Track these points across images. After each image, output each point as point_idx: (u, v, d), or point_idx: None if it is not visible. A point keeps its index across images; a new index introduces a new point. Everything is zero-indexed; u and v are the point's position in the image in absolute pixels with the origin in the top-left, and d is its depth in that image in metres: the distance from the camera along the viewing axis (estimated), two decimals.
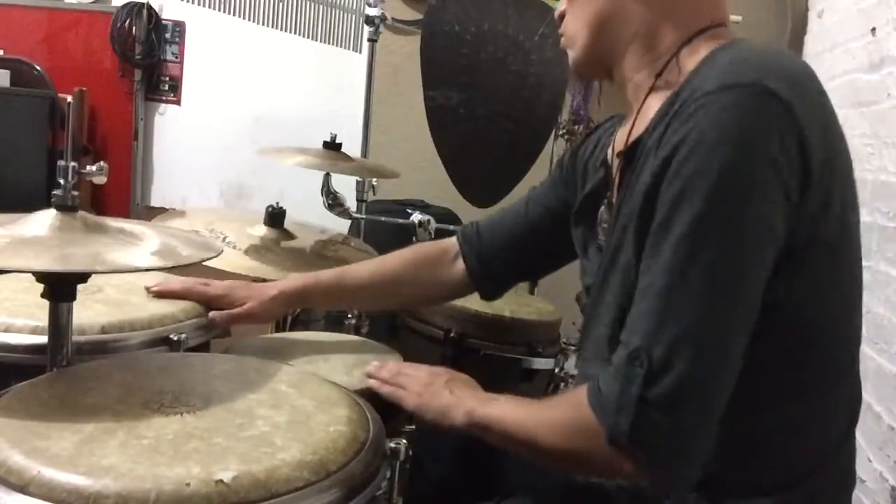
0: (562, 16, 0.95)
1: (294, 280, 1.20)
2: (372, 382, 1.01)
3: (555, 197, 1.13)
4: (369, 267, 1.25)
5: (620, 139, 0.92)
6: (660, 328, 0.70)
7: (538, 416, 0.82)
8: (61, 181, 0.86)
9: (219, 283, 1.17)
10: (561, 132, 2.41)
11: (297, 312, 2.05)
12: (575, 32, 0.92)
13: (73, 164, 0.87)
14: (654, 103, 0.85)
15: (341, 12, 2.54)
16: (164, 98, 3.28)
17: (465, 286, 1.22)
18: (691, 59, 0.83)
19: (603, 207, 0.96)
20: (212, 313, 1.11)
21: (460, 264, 1.21)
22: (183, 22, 3.22)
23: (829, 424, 0.84)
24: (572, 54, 0.94)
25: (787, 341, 0.77)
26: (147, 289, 1.12)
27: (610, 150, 0.97)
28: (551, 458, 0.81)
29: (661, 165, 0.73)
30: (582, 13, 0.90)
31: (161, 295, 1.11)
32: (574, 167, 1.08)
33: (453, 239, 1.23)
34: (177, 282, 1.15)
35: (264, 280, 1.47)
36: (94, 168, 1.04)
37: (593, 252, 0.98)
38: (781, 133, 0.70)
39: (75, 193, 0.86)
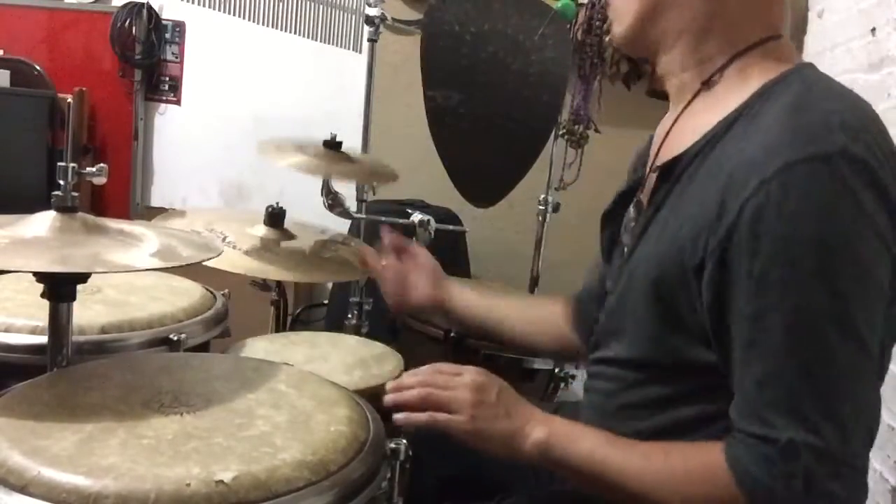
0: None
1: (461, 297, 1.19)
2: (398, 417, 0.86)
3: None
4: (521, 314, 1.19)
5: (658, 138, 0.91)
6: (804, 416, 0.68)
7: (652, 470, 0.76)
8: (61, 182, 0.87)
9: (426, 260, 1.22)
10: (561, 132, 2.40)
11: (297, 312, 2.06)
12: (623, 8, 0.88)
13: (72, 164, 0.88)
14: (698, 112, 0.83)
15: (341, 12, 2.54)
16: (164, 98, 3.27)
17: (575, 345, 1.12)
18: (743, 78, 0.80)
19: (631, 207, 0.93)
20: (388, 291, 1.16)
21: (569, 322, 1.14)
22: (183, 22, 3.21)
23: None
24: (617, 28, 0.90)
25: None
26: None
27: (650, 150, 0.95)
28: None
29: (731, 223, 0.70)
30: None
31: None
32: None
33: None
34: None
35: (264, 280, 1.47)
36: (93, 169, 1.03)
37: (617, 255, 0.96)
38: (869, 195, 0.69)
39: (75, 195, 0.87)
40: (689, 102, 0.85)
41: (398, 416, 0.86)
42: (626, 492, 0.77)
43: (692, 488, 0.74)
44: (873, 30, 1.82)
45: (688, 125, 0.84)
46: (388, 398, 0.88)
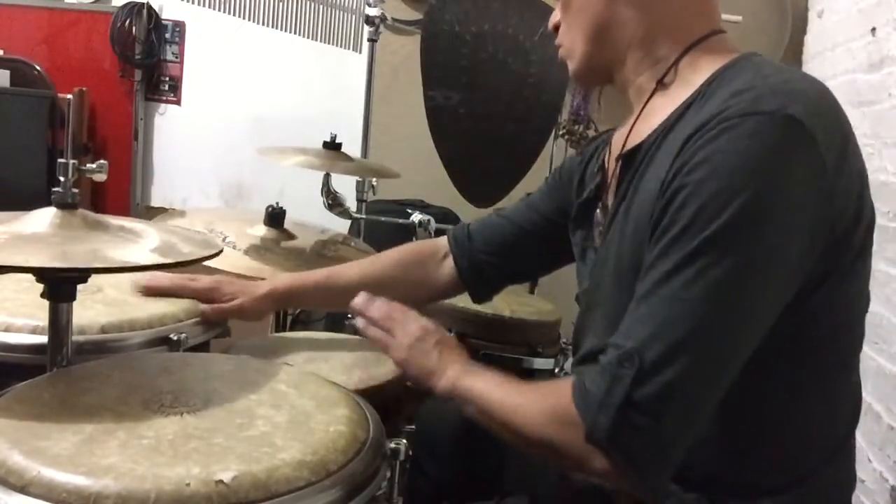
0: (556, 27, 0.96)
1: (283, 279, 1.20)
2: (359, 321, 1.01)
3: (550, 203, 1.13)
4: (358, 267, 1.24)
5: (618, 141, 0.93)
6: (656, 334, 0.70)
7: (519, 398, 0.82)
8: (61, 178, 0.86)
9: (206, 278, 1.16)
10: (561, 132, 2.41)
11: (297, 312, 2.06)
12: (572, 43, 0.92)
13: (73, 161, 0.87)
14: (656, 108, 0.86)
15: (341, 12, 2.54)
16: (164, 98, 3.27)
17: (454, 287, 1.22)
18: (694, 70, 0.84)
19: (598, 210, 0.96)
20: (202, 307, 1.11)
21: (449, 265, 1.21)
22: (183, 22, 3.22)
23: (830, 426, 0.84)
24: (572, 65, 0.94)
25: (795, 345, 0.77)
26: (135, 283, 1.12)
27: (606, 155, 0.98)
28: (526, 442, 0.81)
29: (674, 178, 0.73)
30: (577, 23, 0.91)
31: (150, 291, 1.11)
32: (570, 176, 1.09)
33: (442, 239, 1.24)
34: (165, 278, 1.14)
35: (263, 279, 1.46)
36: (94, 165, 1.03)
37: (590, 256, 0.98)
38: (803, 163, 0.70)
39: (75, 191, 0.86)
40: (647, 102, 0.88)
41: (359, 321, 1.01)
42: (495, 418, 0.83)
43: (541, 407, 0.78)
44: (873, 30, 1.82)
45: (646, 122, 0.87)
46: (356, 301, 1.02)
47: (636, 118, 0.89)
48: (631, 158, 0.86)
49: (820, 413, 0.82)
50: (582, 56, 0.92)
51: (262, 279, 1.23)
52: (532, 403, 0.80)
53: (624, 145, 0.89)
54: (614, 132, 1.00)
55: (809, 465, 0.82)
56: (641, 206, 0.79)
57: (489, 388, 0.85)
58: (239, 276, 1.26)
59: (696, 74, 0.83)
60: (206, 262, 0.89)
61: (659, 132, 0.82)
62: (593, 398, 0.72)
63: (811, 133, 0.70)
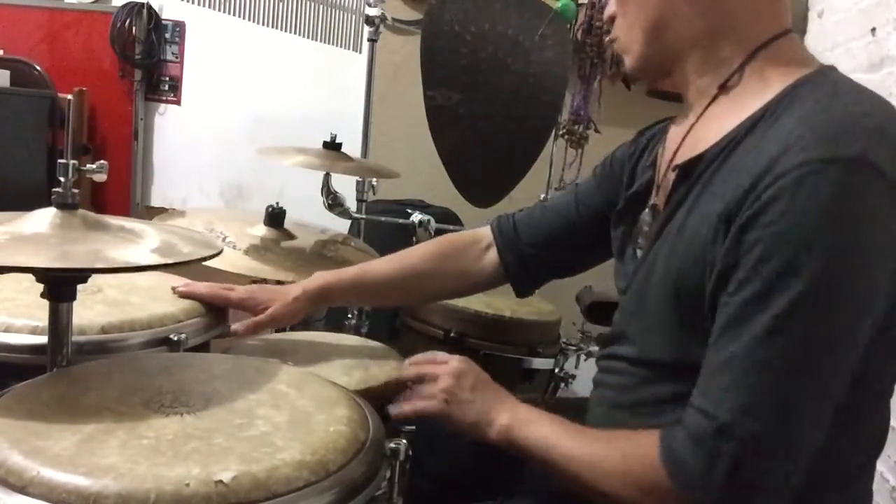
0: (611, 18, 0.92)
1: (316, 279, 1.18)
2: (392, 409, 0.97)
3: (599, 195, 1.10)
4: (393, 262, 1.22)
5: (674, 140, 0.90)
6: (752, 405, 0.68)
7: (594, 455, 0.79)
8: (61, 179, 0.86)
9: (241, 288, 1.16)
10: (561, 132, 2.41)
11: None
12: (629, 39, 0.89)
13: (73, 161, 0.87)
14: (718, 114, 0.83)
15: (341, 12, 2.54)
16: (164, 98, 3.27)
17: (495, 279, 1.20)
18: (762, 78, 0.81)
19: (647, 210, 0.93)
20: (233, 326, 1.11)
21: (492, 256, 1.18)
22: (183, 22, 3.21)
23: (855, 454, 0.82)
24: (629, 61, 0.91)
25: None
26: (173, 289, 1.13)
27: (660, 152, 0.95)
28: (602, 497, 0.78)
29: (749, 222, 0.70)
30: (635, 20, 0.87)
31: (186, 296, 1.12)
32: (622, 166, 1.05)
33: (485, 230, 1.20)
34: (203, 285, 1.15)
35: (265, 280, 1.47)
36: (94, 166, 1.03)
37: (630, 255, 0.96)
38: (884, 211, 0.68)
39: (75, 191, 0.86)
40: (708, 106, 0.85)
41: (392, 408, 0.96)
42: (570, 475, 0.80)
43: (626, 471, 0.75)
44: (873, 30, 1.82)
45: (707, 128, 0.84)
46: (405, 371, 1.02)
47: (695, 121, 0.86)
48: (689, 170, 0.83)
49: (848, 441, 0.80)
50: (639, 52, 0.88)
51: (268, 280, 1.23)
52: (612, 463, 0.77)
53: (677, 150, 0.87)
54: (670, 124, 0.97)
55: (831, 486, 0.81)
56: (700, 226, 0.77)
57: (551, 438, 0.82)
58: (238, 276, 1.26)
59: (764, 84, 0.80)
60: (207, 262, 0.89)
61: (722, 146, 0.79)
62: (692, 473, 0.70)
63: (892, 179, 0.68)
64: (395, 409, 0.96)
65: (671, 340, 0.82)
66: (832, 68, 0.81)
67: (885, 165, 0.68)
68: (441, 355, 1.01)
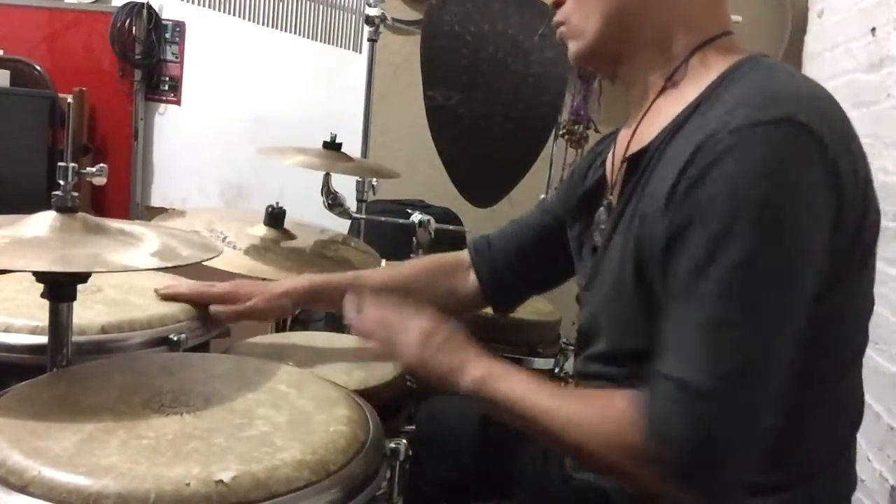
0: (558, 3, 0.92)
1: (304, 279, 1.18)
2: (356, 330, 0.96)
3: (562, 205, 1.11)
4: (384, 274, 1.24)
5: (623, 141, 0.92)
6: (713, 362, 0.69)
7: (570, 411, 0.79)
8: (61, 182, 0.87)
9: (223, 284, 1.16)
10: (561, 132, 2.41)
11: (297, 312, 2.06)
12: (582, 23, 0.89)
13: (72, 164, 0.87)
14: (663, 107, 0.85)
15: (341, 12, 2.54)
16: (164, 98, 3.27)
17: (479, 299, 1.20)
18: (705, 69, 0.82)
19: (602, 209, 0.95)
20: (213, 308, 1.11)
21: (473, 276, 1.19)
22: (183, 22, 3.22)
23: (833, 428, 0.84)
24: (577, 45, 0.91)
25: (805, 348, 0.77)
26: (156, 291, 1.12)
27: (612, 151, 0.97)
28: (580, 458, 0.80)
29: (688, 192, 0.72)
30: (595, 7, 0.87)
31: (169, 297, 1.11)
32: (581, 174, 1.07)
33: (466, 252, 1.22)
34: (185, 285, 1.14)
35: (264, 280, 1.46)
36: (93, 169, 1.03)
37: (587, 252, 0.97)
38: (816, 166, 0.70)
39: (75, 195, 0.86)
40: (654, 100, 0.87)
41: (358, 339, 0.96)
42: (542, 429, 0.79)
43: (603, 426, 0.75)
44: (873, 30, 1.82)
45: (653, 120, 0.85)
46: (349, 310, 0.98)
47: (642, 116, 0.88)
48: (637, 160, 0.85)
49: (824, 416, 0.82)
50: (592, 39, 0.88)
51: (268, 280, 1.23)
52: (589, 421, 0.77)
53: (628, 146, 0.88)
54: (621, 129, 0.99)
55: (811, 467, 0.82)
56: (647, 211, 0.79)
57: (528, 393, 0.81)
58: (238, 276, 1.26)
59: (705, 73, 0.82)
60: (209, 262, 0.89)
61: (666, 133, 0.81)
62: (673, 435, 0.70)
63: (820, 137, 0.70)
64: (351, 318, 0.97)
65: (639, 327, 0.82)
66: (763, 55, 0.83)
67: (814, 124, 0.70)
68: (393, 308, 0.97)
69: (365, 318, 0.97)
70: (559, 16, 0.92)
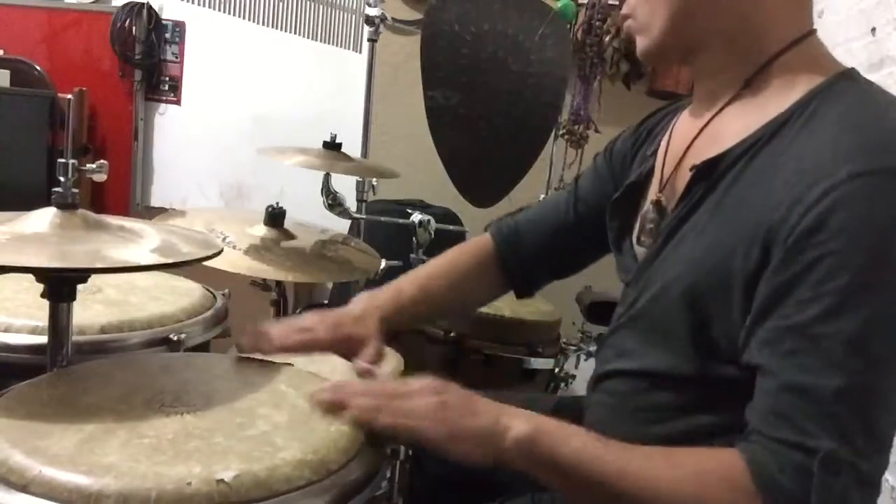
0: None
1: (383, 303, 1.03)
2: (357, 422, 0.76)
3: (598, 187, 1.07)
4: (446, 279, 1.12)
5: (683, 137, 0.88)
6: (847, 433, 0.65)
7: (655, 471, 0.69)
8: (61, 178, 0.86)
9: (321, 328, 0.98)
10: (561, 132, 2.41)
11: (297, 312, 2.05)
12: (649, 17, 0.84)
13: (73, 161, 0.87)
14: (738, 112, 0.81)
15: (341, 12, 2.54)
16: (164, 98, 3.27)
17: (503, 286, 1.15)
18: (789, 81, 0.78)
19: (650, 206, 0.90)
20: (357, 368, 0.93)
21: (497, 263, 1.13)
22: (183, 22, 3.21)
23: None
24: (644, 41, 0.86)
25: None
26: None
27: (665, 142, 0.93)
28: None
29: (803, 237, 0.67)
30: (663, 1, 0.82)
31: (277, 350, 0.94)
32: (623, 157, 1.03)
33: (486, 237, 1.16)
34: (289, 339, 0.96)
35: (264, 280, 1.47)
36: (94, 165, 1.03)
37: (627, 248, 0.94)
38: None
39: (75, 191, 0.86)
40: (727, 104, 0.82)
41: (359, 419, 0.76)
42: (623, 495, 0.69)
43: (705, 491, 0.67)
44: (873, 30, 1.82)
45: (726, 126, 0.81)
46: (325, 396, 0.78)
47: (711, 118, 0.84)
48: (710, 169, 0.80)
49: None
50: (659, 35, 0.83)
51: (268, 280, 1.20)
52: (683, 483, 0.69)
53: (690, 146, 0.84)
54: (677, 115, 0.94)
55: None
56: (726, 234, 0.74)
57: (593, 452, 0.71)
58: (238, 276, 1.26)
59: (789, 86, 0.78)
60: (209, 263, 0.89)
61: (746, 147, 0.77)
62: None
63: None
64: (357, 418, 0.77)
65: (678, 348, 0.80)
66: (854, 71, 0.79)
67: None
68: (392, 381, 0.86)
69: (349, 391, 0.79)
70: (626, 9, 0.88)
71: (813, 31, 0.81)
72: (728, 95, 0.83)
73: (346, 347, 0.96)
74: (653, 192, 0.91)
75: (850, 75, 0.78)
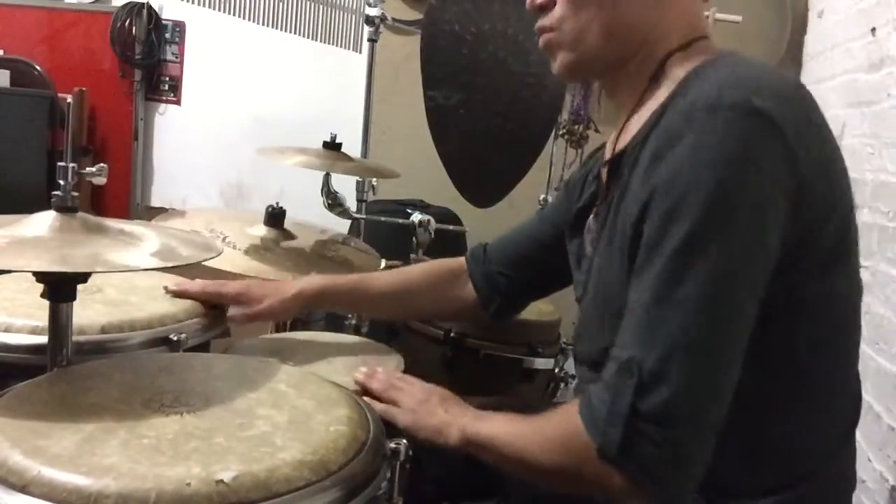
0: (542, 7, 0.89)
1: (314, 280, 1.19)
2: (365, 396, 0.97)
3: (560, 214, 1.12)
4: (390, 276, 1.26)
5: (608, 150, 0.92)
6: (651, 340, 0.70)
7: (530, 431, 0.81)
8: (61, 182, 0.87)
9: (235, 283, 1.16)
10: (561, 132, 2.41)
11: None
12: (580, 34, 0.86)
13: (72, 164, 0.87)
14: (644, 112, 0.85)
15: (341, 12, 2.54)
16: (164, 98, 3.28)
17: (477, 306, 1.22)
18: (682, 69, 0.83)
19: (591, 218, 0.96)
20: (231, 312, 1.11)
21: (470, 283, 1.21)
22: (183, 22, 3.22)
23: (830, 425, 0.83)
24: (570, 56, 0.88)
25: (792, 343, 0.77)
26: (165, 288, 1.13)
27: (602, 166, 0.97)
28: (542, 474, 0.80)
29: (655, 183, 0.73)
30: (596, 15, 0.85)
31: (179, 295, 1.12)
32: (575, 186, 1.08)
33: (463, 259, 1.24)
34: (195, 283, 1.15)
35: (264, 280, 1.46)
36: (93, 169, 1.03)
37: (584, 264, 0.98)
38: (770, 152, 0.70)
39: (75, 195, 0.86)
40: (635, 107, 0.87)
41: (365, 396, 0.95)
42: (509, 458, 0.82)
43: (551, 434, 0.77)
44: (873, 30, 1.82)
45: (634, 125, 0.86)
46: (358, 377, 1.02)
47: (624, 123, 0.88)
48: (617, 164, 0.85)
49: (820, 412, 0.82)
50: (591, 51, 0.86)
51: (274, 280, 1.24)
52: (542, 434, 0.79)
53: (613, 151, 0.89)
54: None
55: (809, 465, 0.82)
56: (626, 213, 0.79)
57: (498, 428, 0.84)
58: (238, 276, 1.26)
59: (679, 73, 0.82)
60: (209, 262, 0.89)
61: (641, 134, 0.81)
62: (599, 414, 0.71)
63: (775, 122, 0.70)
64: (361, 379, 1.00)
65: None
66: (734, 52, 0.83)
67: (770, 109, 0.70)
68: (403, 377, 1.03)
69: (373, 379, 1.00)
70: (547, 20, 0.89)
71: (707, 37, 0.87)
72: (634, 101, 0.87)
73: (243, 301, 1.14)
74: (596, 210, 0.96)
75: (729, 53, 0.83)
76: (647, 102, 0.85)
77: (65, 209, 0.85)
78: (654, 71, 0.85)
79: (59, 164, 0.87)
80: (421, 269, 1.26)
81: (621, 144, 0.86)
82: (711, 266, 0.69)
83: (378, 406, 0.94)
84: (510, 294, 1.21)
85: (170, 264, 0.83)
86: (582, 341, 0.95)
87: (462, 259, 1.25)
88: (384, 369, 1.04)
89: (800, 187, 0.72)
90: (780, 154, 0.70)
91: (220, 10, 2.47)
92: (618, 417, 0.69)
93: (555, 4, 0.88)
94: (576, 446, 0.73)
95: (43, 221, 0.84)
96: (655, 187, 0.72)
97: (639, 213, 0.75)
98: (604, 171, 0.93)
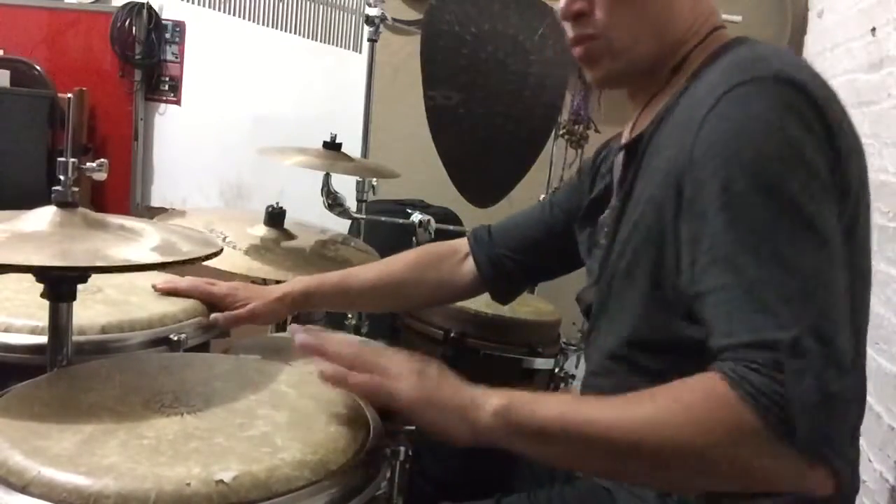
0: (581, 12, 0.85)
1: (298, 282, 1.19)
2: (329, 376, 0.77)
3: (572, 201, 1.12)
4: (374, 269, 1.24)
5: (625, 136, 0.93)
6: (802, 318, 0.64)
7: (639, 415, 0.66)
8: (61, 177, 0.86)
9: (223, 284, 1.16)
10: (561, 132, 2.41)
11: (297, 313, 2.05)
12: (628, 41, 0.84)
13: (73, 159, 0.87)
14: (662, 97, 0.86)
15: (341, 12, 2.54)
16: (164, 98, 3.28)
17: (474, 287, 1.21)
18: (701, 55, 0.84)
19: (607, 211, 0.95)
20: (213, 315, 1.11)
21: (469, 265, 1.20)
22: (183, 22, 3.22)
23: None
24: (615, 64, 0.86)
25: None
26: (154, 286, 1.13)
27: (620, 157, 0.96)
28: (671, 463, 0.66)
29: (692, 162, 0.71)
30: (645, 22, 0.83)
31: (167, 292, 1.12)
32: (587, 175, 1.08)
33: (463, 240, 1.23)
34: (183, 280, 1.15)
35: (264, 281, 1.46)
36: (94, 164, 1.03)
37: (596, 253, 0.97)
38: (809, 115, 0.70)
39: (75, 189, 0.86)
40: (653, 96, 0.88)
41: (325, 369, 0.77)
42: (613, 446, 0.66)
43: (693, 415, 0.65)
44: (873, 30, 1.82)
45: (649, 113, 0.87)
46: (301, 339, 0.81)
47: (642, 109, 0.89)
48: (633, 149, 0.86)
49: None
50: (639, 59, 0.85)
51: (268, 280, 1.23)
52: (673, 416, 0.65)
53: (630, 136, 0.89)
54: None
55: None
56: (651, 190, 0.78)
57: (575, 411, 0.69)
58: (238, 276, 1.26)
59: (696, 63, 0.84)
60: (208, 263, 0.89)
61: (657, 118, 0.82)
62: (786, 400, 0.62)
63: (812, 92, 0.70)
64: (329, 374, 0.77)
65: (642, 316, 0.82)
66: (747, 37, 0.84)
67: (800, 78, 0.70)
68: (367, 349, 0.83)
69: (330, 346, 0.80)
70: (589, 27, 0.85)
71: (724, 27, 0.87)
72: (654, 93, 0.88)
73: (229, 303, 1.13)
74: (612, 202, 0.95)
75: (742, 38, 0.83)
76: (666, 89, 0.86)
77: (65, 204, 0.85)
78: (677, 63, 0.86)
79: (60, 159, 0.87)
80: (406, 260, 1.24)
81: (638, 129, 0.87)
82: (799, 232, 0.67)
83: (361, 379, 0.76)
84: (514, 276, 1.20)
85: (170, 259, 0.83)
86: (600, 330, 0.90)
87: (452, 242, 1.25)
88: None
89: (836, 153, 0.71)
90: (816, 117, 0.70)
91: (220, 10, 2.47)
92: (806, 401, 0.62)
93: (592, 11, 0.84)
94: (742, 429, 0.63)
95: (43, 216, 0.84)
96: (687, 164, 0.72)
97: (677, 189, 0.73)
98: (620, 157, 0.92)
